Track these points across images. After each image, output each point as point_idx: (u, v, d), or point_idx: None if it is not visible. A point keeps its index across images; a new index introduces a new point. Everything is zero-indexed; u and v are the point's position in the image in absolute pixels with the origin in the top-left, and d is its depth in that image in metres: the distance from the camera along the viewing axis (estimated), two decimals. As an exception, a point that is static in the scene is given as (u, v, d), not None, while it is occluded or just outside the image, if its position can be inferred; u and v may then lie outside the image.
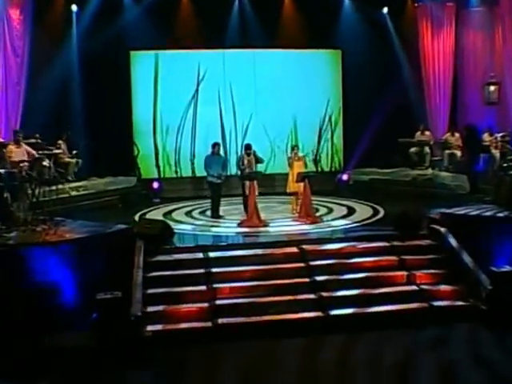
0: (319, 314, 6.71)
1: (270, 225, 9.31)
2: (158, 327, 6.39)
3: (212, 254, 7.58)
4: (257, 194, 9.79)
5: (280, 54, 13.73)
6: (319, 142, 14.21)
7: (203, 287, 7.03)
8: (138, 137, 13.63)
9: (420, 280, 7.27)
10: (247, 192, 9.54)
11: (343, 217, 9.96)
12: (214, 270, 7.31)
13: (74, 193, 11.53)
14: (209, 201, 10.55)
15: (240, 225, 9.37)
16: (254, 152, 10.24)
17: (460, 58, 13.47)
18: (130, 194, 12.45)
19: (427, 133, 13.44)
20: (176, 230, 8.66)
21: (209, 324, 6.49)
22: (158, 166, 13.80)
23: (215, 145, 10.42)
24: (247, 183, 9.61)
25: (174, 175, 13.79)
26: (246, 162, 10.08)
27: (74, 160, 12.39)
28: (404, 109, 12.96)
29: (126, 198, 12.24)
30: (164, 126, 13.67)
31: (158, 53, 13.54)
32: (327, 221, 9.60)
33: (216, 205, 10.36)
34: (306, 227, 9.07)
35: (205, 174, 10.42)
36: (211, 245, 8.07)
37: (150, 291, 6.93)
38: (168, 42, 13.17)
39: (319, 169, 14.28)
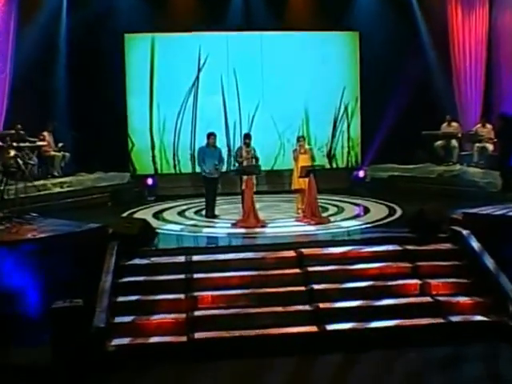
0: (314, 328, 6.18)
1: (270, 225, 8.87)
2: (125, 341, 5.90)
3: (195, 258, 7.14)
4: (255, 190, 9.30)
5: (290, 36, 13.36)
6: (334, 135, 13.78)
7: (181, 295, 6.56)
8: (132, 129, 13.33)
9: (435, 290, 6.69)
10: (243, 187, 9.03)
11: (354, 217, 9.54)
12: (196, 275, 6.85)
13: (57, 189, 11.10)
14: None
15: (234, 225, 8.92)
16: (254, 153, 9.70)
17: (494, 41, 12.86)
18: (122, 191, 12.19)
19: (455, 124, 12.75)
20: (161, 231, 8.40)
21: (183, 338, 5.97)
22: (154, 161, 13.49)
23: (210, 135, 9.93)
24: (244, 178, 9.06)
25: (172, 171, 13.51)
26: (244, 153, 9.52)
27: (60, 153, 12.09)
28: (429, 98, 12.51)
29: (117, 195, 11.96)
30: (161, 116, 13.35)
31: (154, 36, 13.24)
32: (335, 221, 9.10)
33: (211, 203, 9.92)
34: (309, 228, 8.59)
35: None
36: (196, 247, 7.67)
37: (120, 299, 6.47)
38: (166, 24, 12.92)
39: (333, 165, 13.97)
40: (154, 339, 6.01)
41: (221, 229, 8.86)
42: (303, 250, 7.23)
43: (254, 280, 6.79)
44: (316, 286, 6.67)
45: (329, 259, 7.10)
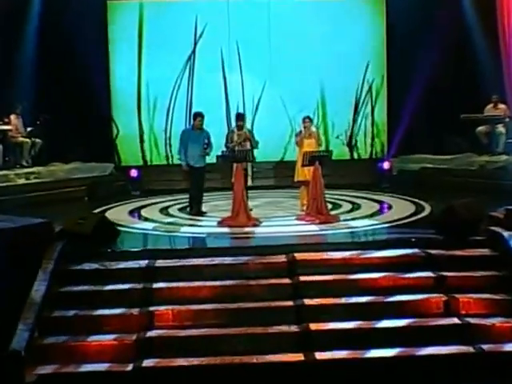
0: (300, 356, 5.29)
1: (264, 224, 8.12)
2: (50, 369, 4.99)
3: (160, 263, 6.35)
4: (250, 182, 8.80)
5: (302, 1, 12.80)
6: (355, 120, 13.19)
7: (134, 310, 5.75)
8: (117, 112, 12.95)
9: (465, 309, 5.75)
10: (233, 179, 8.21)
11: (371, 215, 8.75)
12: (157, 285, 6.05)
13: (21, 181, 10.41)
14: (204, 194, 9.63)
15: (220, 223, 8.16)
16: (250, 131, 9.16)
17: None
18: (102, 184, 11.67)
19: (502, 106, 11.69)
20: (127, 229, 7.80)
21: (128, 367, 5.08)
22: (142, 150, 13.14)
23: (197, 116, 9.16)
24: (234, 167, 8.27)
25: (164, 162, 13.06)
26: (235, 137, 8.80)
27: (29, 140, 11.39)
28: (470, 74, 11.71)
29: (96, 189, 11.42)
30: (151, 98, 12.96)
31: (142, 2, 12.83)
32: (345, 220, 8.29)
33: (196, 197, 9.18)
34: (311, 228, 7.79)
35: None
36: (163, 249, 6.87)
37: (56, 314, 5.68)
38: (156, -11, 12.33)
39: (354, 155, 13.33)
40: (89, 367, 5.13)
41: (203, 228, 8.11)
42: (296, 254, 6.37)
43: (229, 292, 5.99)
44: (307, 301, 5.81)
45: (327, 266, 6.23)
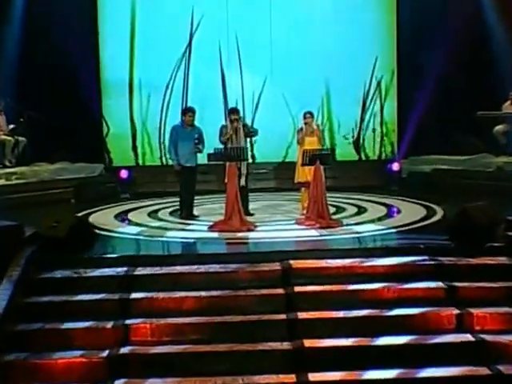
0: (292, 378, 4.86)
1: (259, 228, 7.79)
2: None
3: (140, 270, 5.99)
4: (243, 183, 8.40)
5: None
6: (362, 119, 12.94)
7: (107, 324, 5.35)
8: (107, 109, 12.67)
9: (480, 325, 5.32)
10: (226, 180, 7.94)
11: (377, 220, 8.43)
12: (135, 295, 5.68)
13: (1, 182, 10.12)
14: (199, 198, 9.56)
15: (211, 228, 7.81)
16: (244, 121, 8.88)
17: None
18: (90, 186, 11.38)
19: (520, 103, 11.40)
20: (110, 234, 7.53)
21: (97, 389, 4.62)
22: (135, 149, 12.88)
23: (187, 111, 8.88)
24: (227, 166, 7.95)
25: (158, 162, 12.78)
26: (229, 131, 8.46)
27: (12, 138, 11.11)
28: (487, 69, 11.49)
29: (83, 191, 11.15)
30: (144, 94, 12.70)
31: None
32: (349, 224, 7.95)
33: (187, 200, 8.86)
34: (310, 233, 7.44)
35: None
36: (144, 255, 6.57)
37: (19, 327, 5.27)
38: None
39: (362, 156, 13.05)
40: (52, 389, 4.67)
41: (192, 233, 7.74)
42: (292, 261, 6.02)
43: (214, 303, 5.60)
44: (302, 315, 5.42)
45: (325, 275, 5.86)
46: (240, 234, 7.39)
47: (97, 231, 7.23)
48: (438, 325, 5.36)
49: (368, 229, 7.64)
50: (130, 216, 9.18)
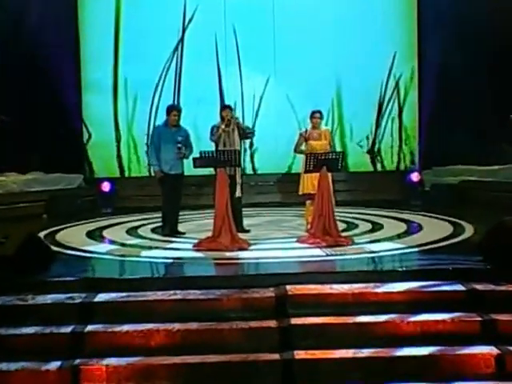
0: None
1: (254, 247, 7.16)
2: None
3: (101, 297, 5.36)
4: (238, 193, 7.89)
5: None
6: (378, 124, 12.73)
7: (54, 365, 4.66)
8: (89, 112, 12.53)
9: None
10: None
11: (395, 237, 7.78)
12: (92, 327, 5.02)
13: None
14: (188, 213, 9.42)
15: (197, 246, 7.19)
16: (238, 120, 8.23)
17: None
18: (65, 199, 11.07)
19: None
20: (74, 252, 6.96)
21: None
22: (119, 158, 12.77)
23: (172, 109, 8.26)
24: (217, 173, 7.33)
25: (145, 173, 12.44)
26: (220, 132, 7.99)
27: (-23, 145, 10.70)
28: None
29: (57, 205, 10.88)
30: (130, 96, 12.57)
31: None
32: (360, 243, 7.32)
33: (171, 214, 8.25)
34: (315, 253, 6.78)
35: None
36: (108, 278, 5.80)
37: None
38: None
39: (378, 166, 12.84)
40: None
41: (173, 252, 7.06)
42: (289, 287, 5.41)
43: (191, 339, 4.96)
44: (299, 354, 4.73)
45: (330, 304, 5.22)
46: (229, 254, 6.75)
47: (55, 249, 6.74)
48: (474, 368, 4.68)
49: (384, 248, 6.99)
50: (106, 233, 8.68)
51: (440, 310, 5.14)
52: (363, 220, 9.29)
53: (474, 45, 11.06)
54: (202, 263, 6.52)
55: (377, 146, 12.66)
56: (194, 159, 7.30)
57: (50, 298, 5.33)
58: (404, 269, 5.75)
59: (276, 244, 7.41)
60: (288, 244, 7.37)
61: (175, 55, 12.34)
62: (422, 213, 9.86)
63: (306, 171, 7.51)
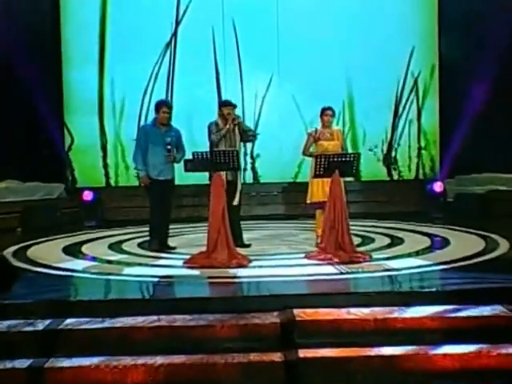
0: None
1: (255, 263, 6.69)
2: None
3: (69, 324, 4.84)
4: (236, 202, 7.45)
5: None
6: (394, 127, 12.51)
7: None
8: (71, 117, 12.34)
9: None
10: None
11: (418, 253, 7.38)
12: (55, 362, 4.46)
13: None
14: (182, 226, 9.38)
15: (188, 263, 6.68)
16: (239, 119, 7.74)
17: None
18: (42, 211, 10.88)
19: None
20: (45, 270, 6.47)
21: None
22: (105, 165, 12.51)
23: (161, 105, 7.77)
24: (215, 176, 6.86)
25: (134, 182, 11.93)
26: (224, 132, 7.54)
27: None
28: None
29: (33, 217, 10.68)
30: (117, 97, 12.35)
31: None
32: (379, 259, 6.87)
33: (159, 227, 7.78)
34: (327, 270, 6.31)
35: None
36: (77, 301, 5.34)
37: None
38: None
39: (394, 175, 12.68)
40: None
41: (160, 269, 6.56)
42: (297, 311, 4.93)
43: (178, 376, 4.45)
44: None
45: (346, 333, 4.70)
46: (226, 272, 6.29)
47: (22, 266, 6.44)
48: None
49: (407, 264, 6.49)
50: (85, 248, 8.21)
51: (480, 340, 4.61)
52: (379, 234, 8.93)
53: (500, 38, 10.77)
54: (193, 282, 6.04)
55: (393, 152, 12.51)
56: (186, 162, 6.85)
57: (5, 325, 4.85)
58: (436, 289, 5.27)
59: (281, 260, 7.01)
60: (295, 260, 6.97)
61: (168, 52, 12.21)
62: (447, 225, 9.54)
63: (316, 175, 6.97)
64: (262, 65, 12.04)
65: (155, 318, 4.90)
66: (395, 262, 6.65)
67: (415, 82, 12.37)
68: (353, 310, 4.94)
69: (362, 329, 4.74)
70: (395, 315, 4.83)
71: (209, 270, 6.35)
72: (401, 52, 12.14)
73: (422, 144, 12.51)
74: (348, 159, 6.82)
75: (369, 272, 6.11)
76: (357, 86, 12.20)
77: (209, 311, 5.01)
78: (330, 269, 6.34)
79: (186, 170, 6.82)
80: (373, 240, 8.33)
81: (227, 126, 7.47)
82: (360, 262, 6.59)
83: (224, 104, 7.74)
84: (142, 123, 11.77)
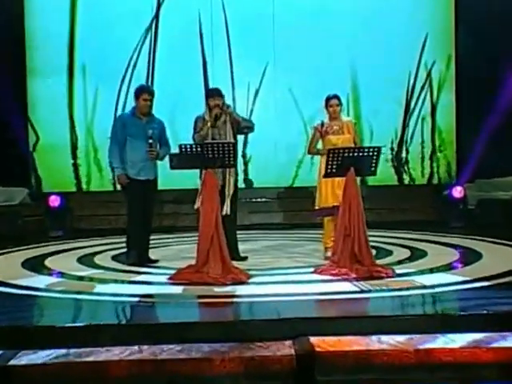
0: None
1: (256, 279, 6.22)
2: None
3: (24, 357, 4.23)
4: (225, 211, 6.92)
5: None
6: (405, 125, 12.27)
7: None
8: (35, 111, 12.02)
9: None
10: (197, 203, 6.38)
11: (447, 267, 6.88)
12: None
13: None
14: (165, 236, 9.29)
15: (174, 278, 6.21)
16: (230, 109, 7.32)
17: None
18: (2, 218, 10.67)
19: None
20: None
21: None
22: (76, 167, 12.15)
23: (142, 91, 7.24)
24: (203, 175, 6.41)
25: (109, 187, 11.90)
26: (206, 131, 7.10)
27: None
28: None
29: None
30: (90, 86, 11.98)
31: None
32: (404, 274, 6.34)
33: (139, 235, 7.21)
34: (344, 288, 5.78)
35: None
36: (35, 327, 4.74)
37: None
38: None
39: (406, 179, 12.52)
40: None
41: (140, 287, 6.07)
42: (314, 339, 4.35)
43: None
44: None
45: (377, 367, 4.13)
46: (221, 289, 5.80)
47: None
48: None
49: (439, 281, 5.96)
50: (49, 261, 7.71)
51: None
52: (396, 245, 8.51)
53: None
54: (181, 303, 5.48)
55: (403, 153, 12.28)
56: (171, 157, 6.19)
57: None
58: (486, 311, 4.67)
59: (285, 276, 6.46)
60: (302, 275, 6.44)
61: (148, 36, 11.94)
62: (471, 235, 9.20)
63: (327, 174, 6.38)
64: (255, 53, 11.80)
65: (135, 348, 4.36)
66: (424, 278, 6.12)
67: (429, 74, 12.15)
68: (384, 337, 4.37)
69: (400, 363, 4.13)
70: (440, 345, 4.23)
71: (199, 288, 5.83)
72: (413, 40, 11.93)
73: (437, 144, 12.29)
74: (366, 154, 6.23)
75: (396, 290, 5.54)
76: (363, 77, 11.95)
77: (203, 340, 4.43)
78: (346, 286, 5.81)
79: (172, 167, 6.19)
80: (390, 252, 7.90)
81: (208, 125, 7.02)
82: (382, 278, 6.08)
83: (210, 94, 7.25)
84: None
